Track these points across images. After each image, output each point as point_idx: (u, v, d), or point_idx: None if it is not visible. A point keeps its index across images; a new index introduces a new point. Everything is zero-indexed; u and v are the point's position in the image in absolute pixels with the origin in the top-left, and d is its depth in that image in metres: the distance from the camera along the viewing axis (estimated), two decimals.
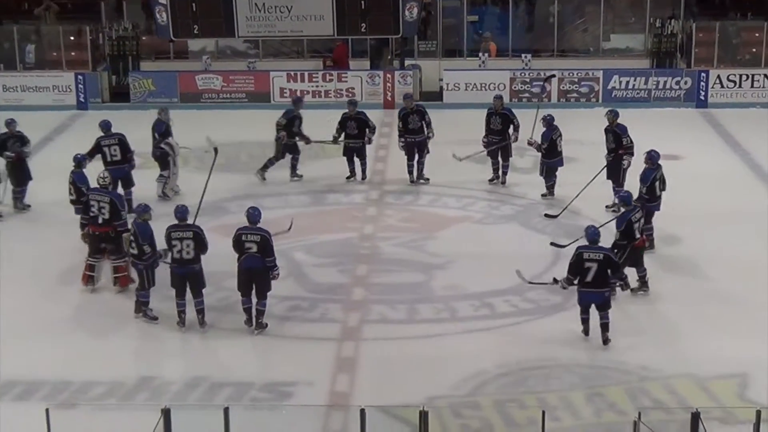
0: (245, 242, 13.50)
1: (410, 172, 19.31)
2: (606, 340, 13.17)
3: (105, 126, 17.59)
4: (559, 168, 18.17)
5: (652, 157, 15.71)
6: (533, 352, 13.12)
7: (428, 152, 19.15)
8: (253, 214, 13.69)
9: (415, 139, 19.04)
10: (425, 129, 18.99)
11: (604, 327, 13.19)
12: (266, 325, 13.69)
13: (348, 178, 19.49)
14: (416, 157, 19.18)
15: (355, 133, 19.15)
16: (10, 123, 18.08)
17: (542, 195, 18.37)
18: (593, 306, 13.21)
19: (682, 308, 14.24)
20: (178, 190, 18.51)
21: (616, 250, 14.02)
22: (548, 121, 17.95)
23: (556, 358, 12.93)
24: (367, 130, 19.19)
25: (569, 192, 17.50)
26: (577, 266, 13.18)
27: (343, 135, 19.17)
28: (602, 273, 13.06)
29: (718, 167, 20.34)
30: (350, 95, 24.39)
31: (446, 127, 19.82)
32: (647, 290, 14.58)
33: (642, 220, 14.54)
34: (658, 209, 15.80)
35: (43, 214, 17.53)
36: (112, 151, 17.19)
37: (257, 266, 13.50)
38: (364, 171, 19.49)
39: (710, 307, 14.22)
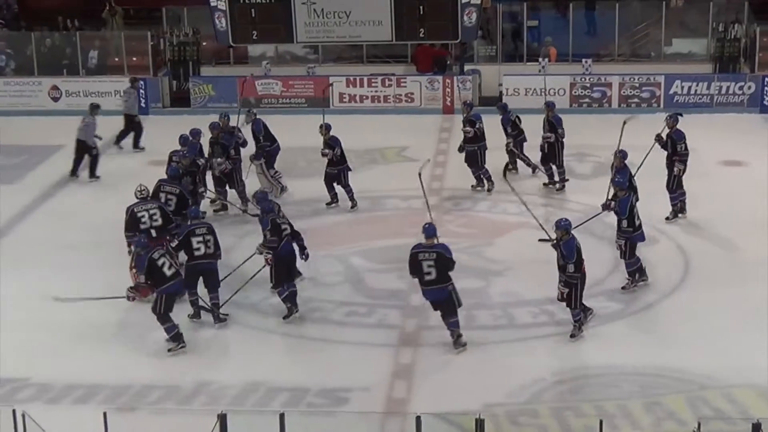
0: (281, 224, 14.15)
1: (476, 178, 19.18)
2: None
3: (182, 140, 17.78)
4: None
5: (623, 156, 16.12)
6: (591, 359, 13.03)
7: (471, 163, 18.88)
8: (263, 199, 14.77)
9: (466, 148, 18.93)
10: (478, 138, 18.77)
11: None
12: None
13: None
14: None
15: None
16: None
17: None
18: None
19: (742, 316, 14.04)
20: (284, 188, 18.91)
21: (623, 240, 14.55)
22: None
23: (615, 366, 12.81)
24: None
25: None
26: None
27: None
28: None
29: None
30: (409, 100, 24.39)
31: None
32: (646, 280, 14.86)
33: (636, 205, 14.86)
34: None
35: (105, 220, 17.56)
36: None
37: (293, 249, 14.23)
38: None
39: None
